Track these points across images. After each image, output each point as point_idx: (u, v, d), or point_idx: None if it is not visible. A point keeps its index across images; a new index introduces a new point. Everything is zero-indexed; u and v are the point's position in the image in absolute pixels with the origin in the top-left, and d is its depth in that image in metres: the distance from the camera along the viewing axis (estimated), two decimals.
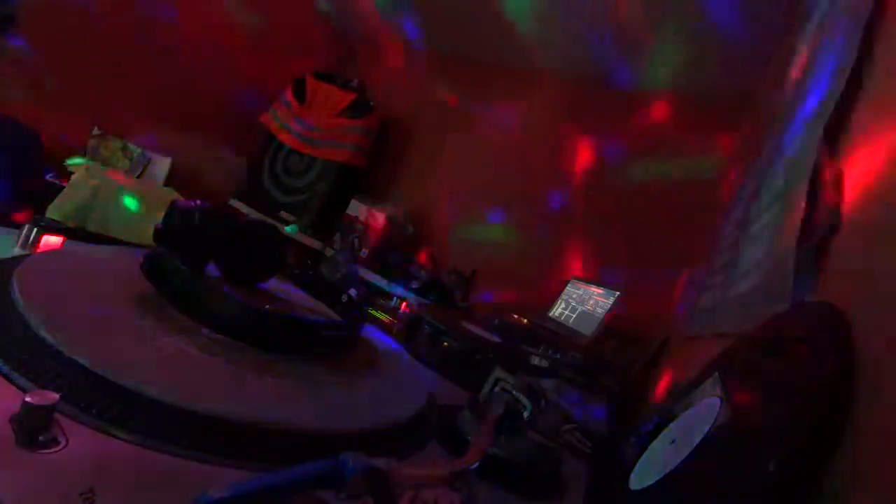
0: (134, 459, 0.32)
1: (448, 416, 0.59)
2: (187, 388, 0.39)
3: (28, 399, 0.29)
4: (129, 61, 2.26)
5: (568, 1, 1.92)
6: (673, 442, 0.45)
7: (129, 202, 1.83)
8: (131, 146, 2.26)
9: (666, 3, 1.72)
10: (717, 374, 0.49)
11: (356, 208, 2.46)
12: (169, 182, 2.33)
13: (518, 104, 2.57)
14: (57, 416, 0.31)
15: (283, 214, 2.57)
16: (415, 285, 2.26)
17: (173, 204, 0.69)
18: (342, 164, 2.58)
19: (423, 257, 2.48)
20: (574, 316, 1.82)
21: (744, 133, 1.78)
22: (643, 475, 0.45)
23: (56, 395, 0.30)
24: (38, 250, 0.62)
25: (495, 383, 0.55)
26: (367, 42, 3.03)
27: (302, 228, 2.52)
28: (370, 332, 0.80)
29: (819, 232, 0.51)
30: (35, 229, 0.63)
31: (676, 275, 1.93)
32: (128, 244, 0.79)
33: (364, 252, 2.38)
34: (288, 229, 2.47)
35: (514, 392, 0.53)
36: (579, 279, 1.96)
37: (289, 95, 2.69)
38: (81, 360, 0.36)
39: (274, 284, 0.83)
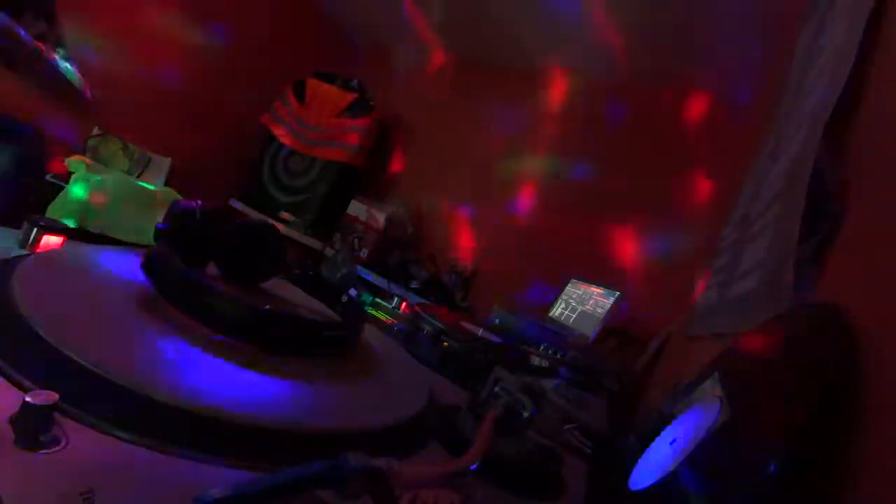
0: (134, 459, 0.32)
1: (448, 416, 0.59)
2: (187, 388, 0.39)
3: (28, 399, 0.29)
4: (130, 61, 2.26)
5: (566, 1, 1.92)
6: (673, 442, 0.45)
7: (139, 209, 1.82)
8: (131, 146, 2.25)
9: (666, 3, 1.72)
10: (716, 374, 0.49)
11: (356, 208, 2.46)
12: (169, 182, 2.33)
13: (518, 103, 2.57)
14: (57, 416, 0.31)
15: (283, 214, 2.57)
16: (415, 285, 2.26)
17: (173, 204, 0.69)
18: (342, 164, 2.58)
19: (423, 257, 2.48)
20: (574, 316, 1.82)
21: (744, 132, 1.78)
22: (643, 475, 0.45)
23: (56, 395, 0.30)
24: (38, 250, 0.62)
25: (495, 383, 0.55)
26: (367, 42, 3.03)
27: (303, 228, 2.51)
28: (370, 332, 0.80)
29: (819, 232, 0.51)
30: (35, 229, 0.62)
31: (677, 275, 1.93)
32: (128, 244, 0.79)
33: (364, 252, 2.38)
34: (290, 228, 2.46)
35: (514, 392, 0.53)
36: (579, 279, 1.96)
37: (289, 95, 2.69)
38: (81, 360, 0.36)
39: (274, 284, 0.83)
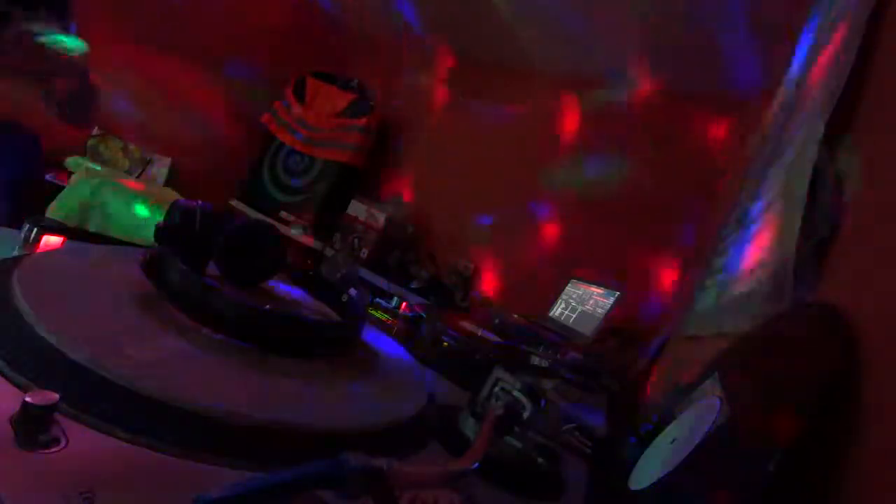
0: (134, 459, 0.32)
1: (448, 416, 0.59)
2: (187, 388, 0.39)
3: (28, 399, 0.29)
4: (130, 61, 2.25)
5: (565, 2, 1.92)
6: (673, 442, 0.45)
7: (140, 209, 1.83)
8: (131, 146, 2.25)
9: (665, 4, 1.72)
10: (716, 374, 0.49)
11: (356, 208, 2.46)
12: (169, 182, 2.33)
13: (518, 104, 2.57)
14: (57, 416, 0.31)
15: (283, 214, 2.57)
16: (415, 285, 2.26)
17: (173, 204, 0.69)
18: (342, 164, 2.58)
19: (423, 257, 2.48)
20: (574, 316, 1.82)
21: (744, 132, 1.78)
22: (643, 475, 0.45)
23: (56, 395, 0.30)
24: (38, 250, 0.62)
25: (495, 383, 0.55)
26: (367, 42, 3.03)
27: (306, 230, 2.52)
28: (370, 333, 0.80)
29: (819, 232, 0.51)
30: (35, 229, 0.62)
31: (676, 275, 1.93)
32: (128, 244, 0.79)
33: (364, 252, 2.38)
34: (294, 231, 2.46)
35: (514, 392, 0.53)
36: (579, 279, 1.96)
37: (289, 95, 2.69)
38: (81, 360, 0.36)
39: (274, 284, 0.83)
